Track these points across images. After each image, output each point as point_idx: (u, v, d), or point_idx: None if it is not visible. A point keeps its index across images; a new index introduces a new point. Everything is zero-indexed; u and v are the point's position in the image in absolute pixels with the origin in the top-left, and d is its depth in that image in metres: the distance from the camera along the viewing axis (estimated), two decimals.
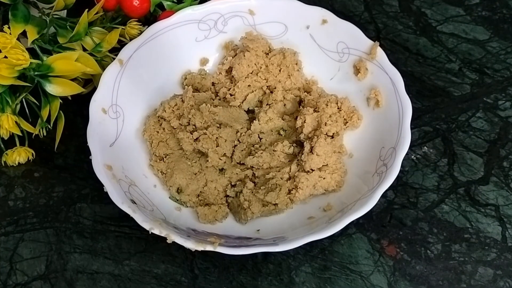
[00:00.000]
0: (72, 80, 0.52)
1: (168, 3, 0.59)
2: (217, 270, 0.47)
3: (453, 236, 0.49)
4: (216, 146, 0.50)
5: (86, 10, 0.53)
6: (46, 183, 0.52)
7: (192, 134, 0.51)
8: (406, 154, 0.47)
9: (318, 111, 0.52)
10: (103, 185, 0.45)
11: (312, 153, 0.49)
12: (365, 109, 0.53)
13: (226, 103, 0.55)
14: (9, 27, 0.49)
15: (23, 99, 0.53)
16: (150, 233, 0.43)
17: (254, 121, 0.53)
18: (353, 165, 0.51)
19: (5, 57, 0.48)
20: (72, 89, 0.52)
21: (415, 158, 0.54)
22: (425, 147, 0.54)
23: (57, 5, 0.53)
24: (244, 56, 0.54)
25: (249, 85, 0.54)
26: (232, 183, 0.51)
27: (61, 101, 0.53)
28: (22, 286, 0.47)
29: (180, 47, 0.55)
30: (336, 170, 0.50)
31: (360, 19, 0.64)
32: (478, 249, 0.48)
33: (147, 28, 0.54)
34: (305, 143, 0.51)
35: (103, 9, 0.56)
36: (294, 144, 0.52)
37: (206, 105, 0.51)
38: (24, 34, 0.51)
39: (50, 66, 0.51)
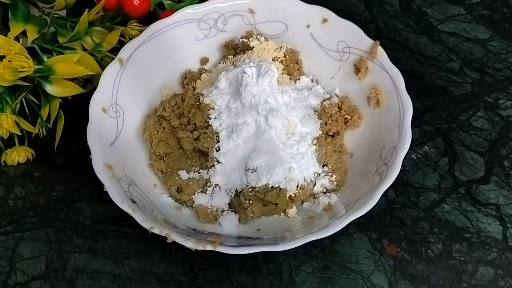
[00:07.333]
0: (72, 79, 0.52)
1: (168, 2, 0.59)
2: (217, 270, 0.47)
3: (454, 235, 0.49)
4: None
5: (87, 10, 0.53)
6: (46, 182, 0.52)
7: (192, 133, 0.51)
8: (407, 153, 0.47)
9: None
10: (103, 185, 0.45)
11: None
12: (365, 108, 0.53)
13: None
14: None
15: (23, 99, 0.53)
16: (150, 232, 0.43)
17: None
18: (353, 164, 0.51)
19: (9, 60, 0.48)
20: (71, 90, 0.52)
21: (415, 157, 0.54)
22: (425, 146, 0.54)
23: (58, 5, 0.53)
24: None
25: None
26: None
27: (60, 101, 0.53)
28: (22, 285, 0.47)
29: (180, 46, 0.55)
30: (337, 169, 0.50)
31: (360, 18, 0.64)
32: (479, 249, 0.48)
33: (147, 27, 0.54)
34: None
35: (104, 9, 0.56)
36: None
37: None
38: (24, 33, 0.51)
39: (51, 68, 0.50)
